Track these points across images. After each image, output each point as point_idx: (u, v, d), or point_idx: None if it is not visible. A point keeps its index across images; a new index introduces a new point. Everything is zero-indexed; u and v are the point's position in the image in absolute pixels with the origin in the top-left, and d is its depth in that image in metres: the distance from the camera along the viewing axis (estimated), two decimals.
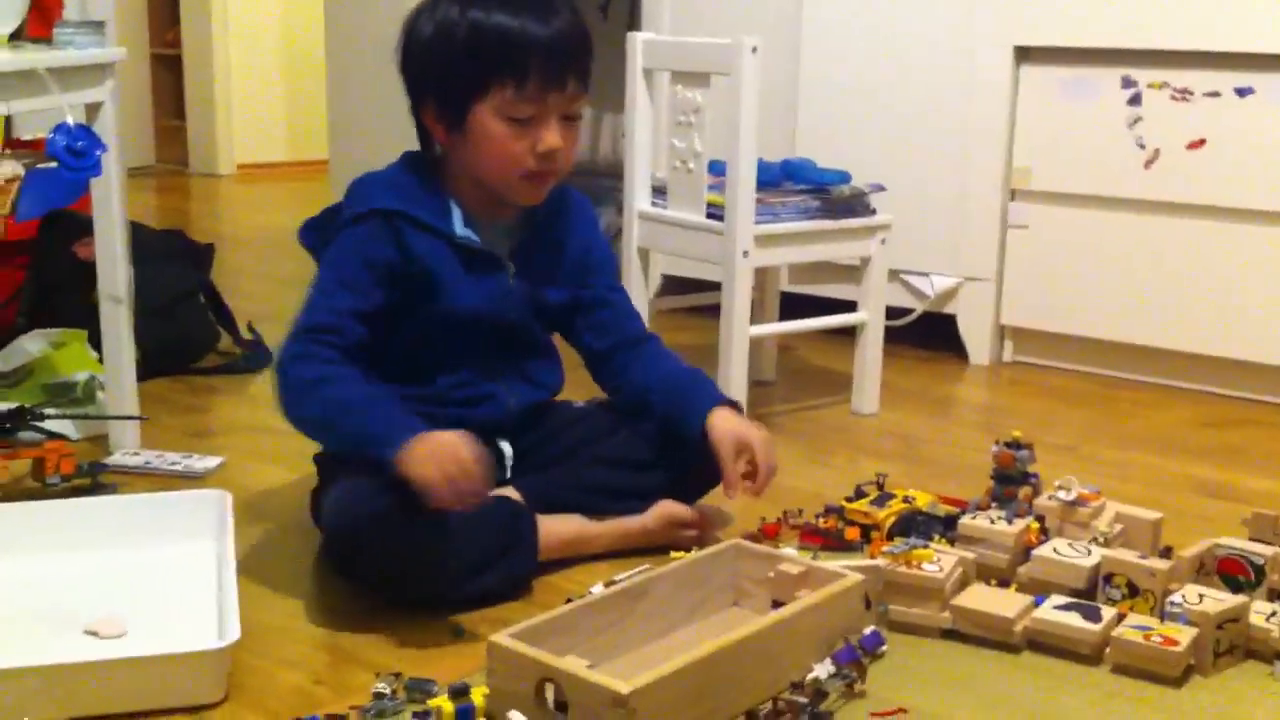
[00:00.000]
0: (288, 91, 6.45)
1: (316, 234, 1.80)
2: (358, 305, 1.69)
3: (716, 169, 2.35)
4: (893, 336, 2.65)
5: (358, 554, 1.59)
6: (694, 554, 1.60)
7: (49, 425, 2.09)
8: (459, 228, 1.75)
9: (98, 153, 1.90)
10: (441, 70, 1.72)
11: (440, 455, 1.52)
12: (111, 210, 2.09)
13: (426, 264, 1.72)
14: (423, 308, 1.73)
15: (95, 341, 2.26)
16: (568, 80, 1.70)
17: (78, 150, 1.86)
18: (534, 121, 1.69)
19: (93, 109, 2.04)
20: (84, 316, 2.37)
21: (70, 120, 1.89)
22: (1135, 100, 2.68)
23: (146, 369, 2.43)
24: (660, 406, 1.81)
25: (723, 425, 1.75)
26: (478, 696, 1.31)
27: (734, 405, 1.81)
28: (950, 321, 2.97)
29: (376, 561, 1.57)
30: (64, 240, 2.66)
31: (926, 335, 3.01)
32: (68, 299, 2.62)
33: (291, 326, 1.70)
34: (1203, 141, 2.61)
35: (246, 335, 2.81)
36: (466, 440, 1.54)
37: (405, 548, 1.55)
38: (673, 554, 1.65)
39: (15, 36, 2.13)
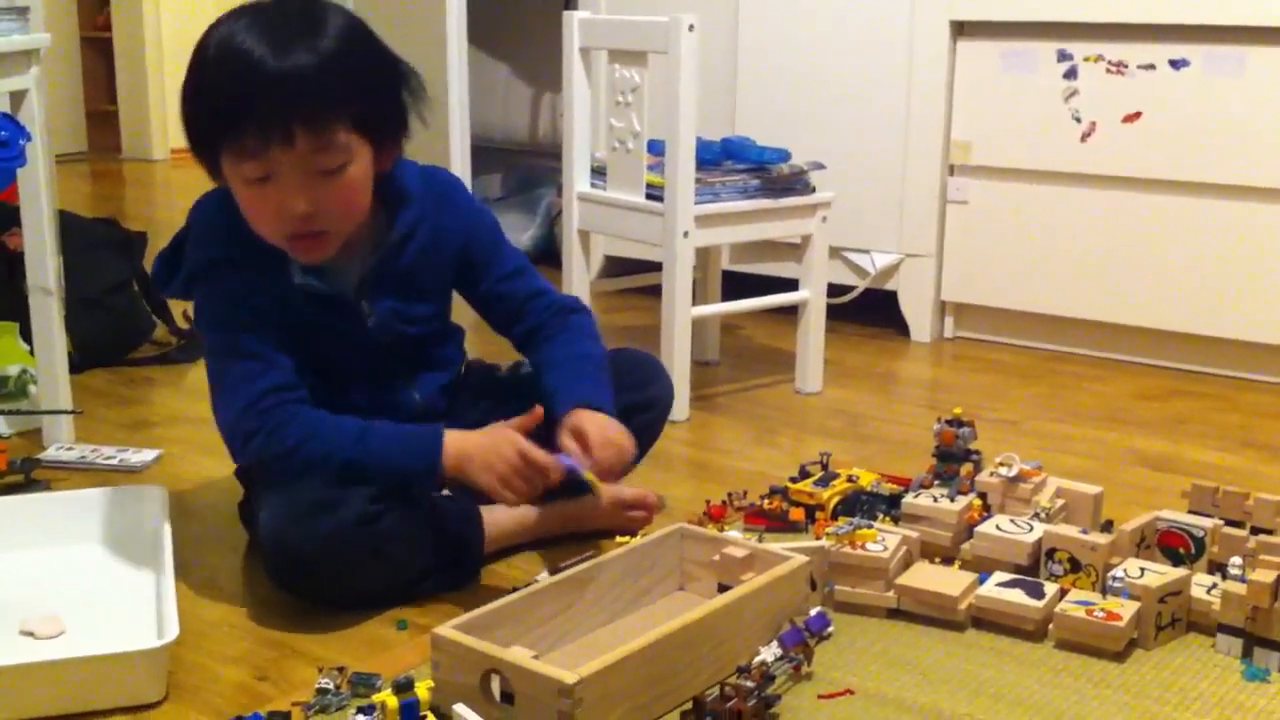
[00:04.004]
0: None
1: (169, 273, 1.63)
2: (265, 337, 1.57)
3: (655, 148, 2.34)
4: (835, 314, 2.65)
5: (303, 573, 1.52)
6: (639, 539, 1.59)
7: None
8: (297, 275, 1.58)
9: (22, 142, 1.87)
10: (183, 112, 1.53)
11: (489, 460, 1.52)
12: (39, 200, 2.05)
13: (280, 310, 1.59)
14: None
15: (27, 334, 2.21)
16: (294, 134, 1.45)
17: (1, 140, 1.81)
18: (273, 180, 1.49)
19: (17, 97, 2.00)
20: (15, 309, 2.32)
21: None
22: (1071, 74, 2.69)
23: (80, 361, 2.40)
24: (543, 382, 1.68)
25: (572, 418, 1.59)
26: (423, 690, 1.29)
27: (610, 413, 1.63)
28: (892, 298, 2.98)
29: (322, 579, 1.52)
30: None
31: (868, 312, 3.02)
32: None
33: (221, 398, 1.60)
34: (1139, 114, 2.63)
35: (182, 324, 2.77)
36: (505, 437, 1.53)
37: (352, 563, 1.52)
38: (618, 539, 1.64)
39: None
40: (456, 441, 1.55)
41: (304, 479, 1.52)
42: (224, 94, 1.46)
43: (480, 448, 1.54)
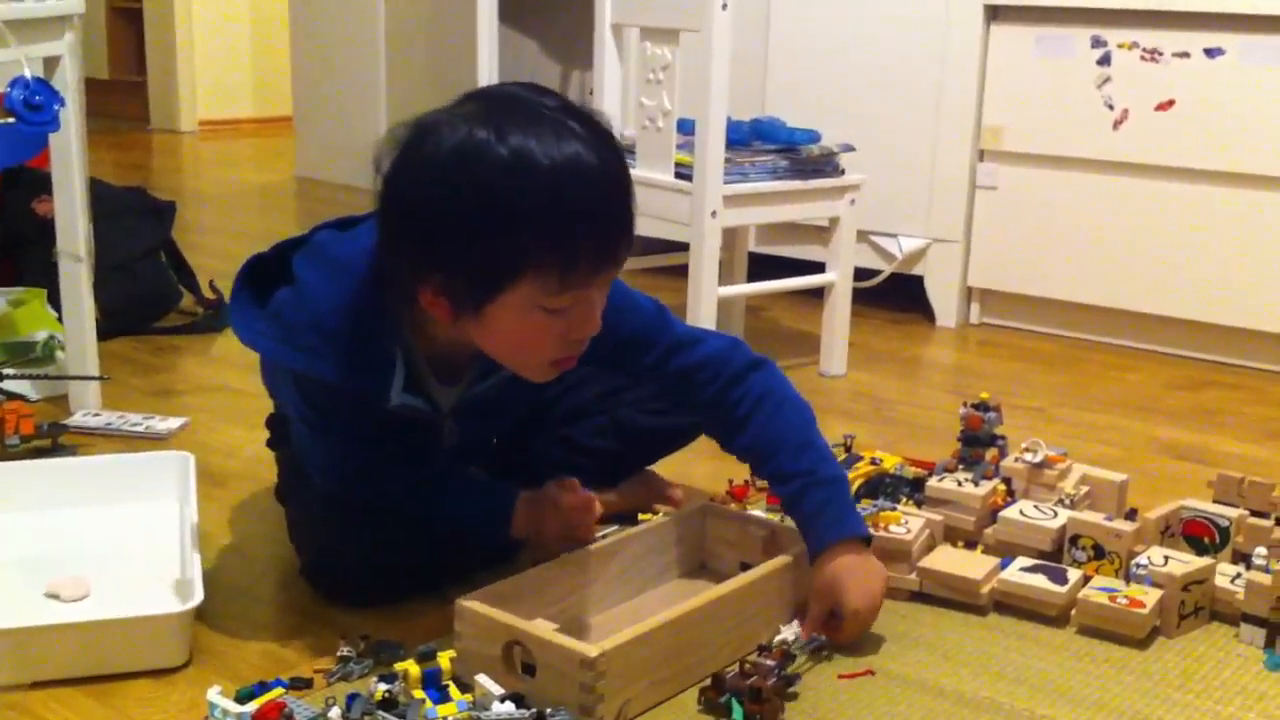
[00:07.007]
0: (254, 46, 6.37)
1: (250, 313, 1.43)
2: (354, 425, 1.48)
3: (685, 127, 2.33)
4: (861, 298, 2.65)
5: (348, 599, 1.51)
6: (662, 516, 1.60)
7: (7, 385, 2.07)
8: (395, 396, 1.42)
9: (55, 107, 1.87)
10: (462, 247, 1.27)
11: (542, 519, 1.52)
12: (71, 166, 2.05)
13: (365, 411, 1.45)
14: None
15: (55, 300, 2.23)
16: (622, 250, 1.32)
17: (35, 104, 1.82)
18: (576, 306, 1.31)
19: (51, 63, 2.00)
20: (43, 274, 2.33)
21: (28, 74, 1.85)
22: (1105, 60, 2.67)
23: (107, 328, 2.40)
24: (783, 500, 1.50)
25: (829, 575, 1.41)
26: (445, 660, 1.30)
27: (864, 539, 1.45)
28: (918, 283, 2.97)
29: (368, 599, 1.51)
30: (22, 197, 2.62)
31: (894, 297, 3.01)
32: (26, 257, 2.58)
33: (305, 444, 1.54)
34: (1171, 102, 2.61)
35: (209, 294, 2.78)
36: (562, 497, 1.52)
37: (401, 590, 1.52)
38: (641, 516, 1.64)
39: None
40: (525, 518, 1.54)
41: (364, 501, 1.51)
42: (560, 224, 1.25)
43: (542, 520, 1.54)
